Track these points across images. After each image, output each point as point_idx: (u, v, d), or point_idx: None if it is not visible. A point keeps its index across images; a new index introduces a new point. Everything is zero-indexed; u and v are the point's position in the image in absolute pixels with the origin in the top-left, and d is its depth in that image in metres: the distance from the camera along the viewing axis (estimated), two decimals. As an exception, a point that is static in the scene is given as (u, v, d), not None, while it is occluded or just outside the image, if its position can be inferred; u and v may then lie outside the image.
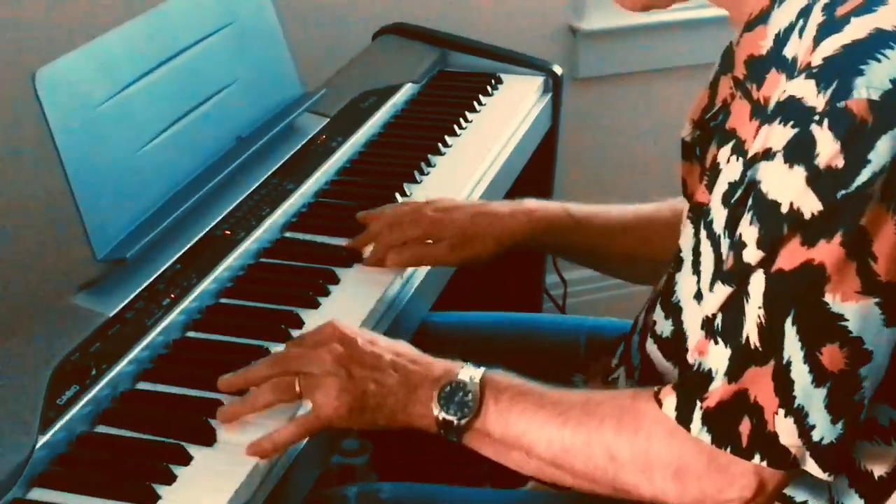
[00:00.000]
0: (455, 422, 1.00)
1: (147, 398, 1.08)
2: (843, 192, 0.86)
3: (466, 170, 1.52)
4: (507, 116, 1.69)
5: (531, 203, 1.32)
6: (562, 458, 0.98)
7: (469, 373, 1.02)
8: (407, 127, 1.64)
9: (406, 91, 1.72)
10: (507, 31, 2.07)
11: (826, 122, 0.86)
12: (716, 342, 0.93)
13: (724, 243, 0.96)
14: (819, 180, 0.87)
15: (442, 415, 1.00)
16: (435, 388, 1.01)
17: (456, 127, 1.63)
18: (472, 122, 1.66)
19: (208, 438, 1.02)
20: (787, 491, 0.99)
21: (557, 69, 1.80)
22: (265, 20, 1.53)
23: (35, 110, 1.15)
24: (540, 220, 1.31)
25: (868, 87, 0.86)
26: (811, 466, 0.92)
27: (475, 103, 1.70)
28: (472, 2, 2.13)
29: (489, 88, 1.76)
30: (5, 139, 1.78)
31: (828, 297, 0.88)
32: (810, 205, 0.87)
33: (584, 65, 2.28)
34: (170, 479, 0.97)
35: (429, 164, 1.53)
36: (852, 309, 0.88)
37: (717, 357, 0.92)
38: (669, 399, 0.95)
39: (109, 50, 1.26)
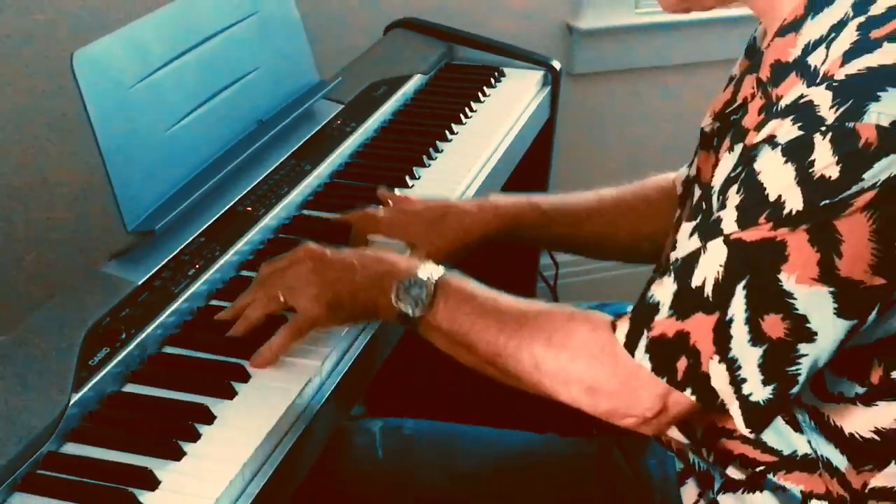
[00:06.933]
0: (410, 313, 1.06)
1: (173, 360, 1.09)
2: (827, 201, 0.86)
3: (471, 157, 1.53)
4: (508, 107, 1.69)
5: (497, 199, 1.32)
6: (495, 359, 1.03)
7: (428, 272, 1.07)
8: (416, 115, 1.65)
9: (415, 81, 1.72)
10: (509, 29, 2.08)
11: (829, 136, 0.85)
12: (668, 275, 0.94)
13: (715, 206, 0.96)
14: (808, 184, 0.86)
15: (400, 306, 1.06)
16: (396, 283, 1.06)
17: (462, 116, 1.63)
18: (476, 111, 1.67)
19: (231, 395, 1.04)
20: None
21: (556, 64, 1.81)
22: (286, 12, 1.53)
23: (72, 90, 1.15)
24: (506, 216, 1.30)
25: (880, 112, 0.84)
26: (735, 414, 0.93)
27: (480, 94, 1.71)
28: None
29: (493, 80, 1.76)
30: (45, 117, 1.78)
31: (782, 275, 0.88)
32: (794, 200, 0.87)
33: (580, 61, 2.29)
34: (194, 436, 0.98)
35: (436, 150, 1.54)
36: (804, 292, 0.88)
37: (666, 290, 0.94)
38: (623, 326, 0.97)
39: (142, 35, 1.27)
